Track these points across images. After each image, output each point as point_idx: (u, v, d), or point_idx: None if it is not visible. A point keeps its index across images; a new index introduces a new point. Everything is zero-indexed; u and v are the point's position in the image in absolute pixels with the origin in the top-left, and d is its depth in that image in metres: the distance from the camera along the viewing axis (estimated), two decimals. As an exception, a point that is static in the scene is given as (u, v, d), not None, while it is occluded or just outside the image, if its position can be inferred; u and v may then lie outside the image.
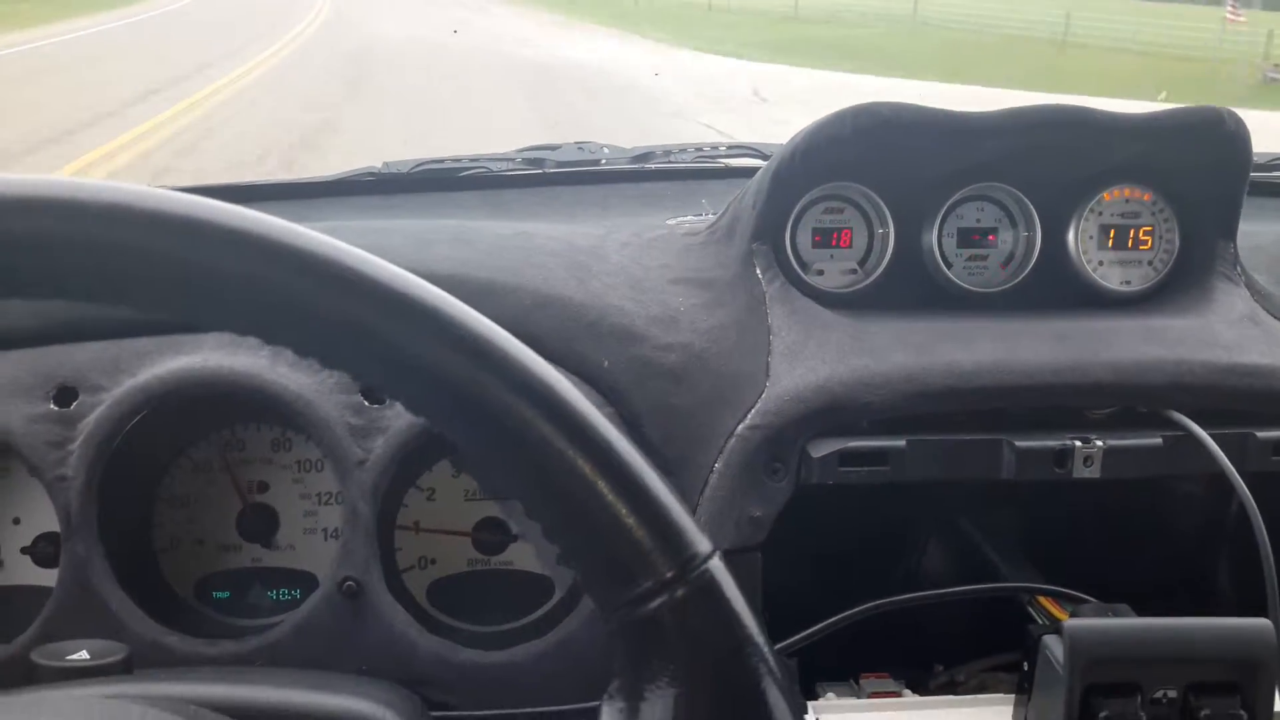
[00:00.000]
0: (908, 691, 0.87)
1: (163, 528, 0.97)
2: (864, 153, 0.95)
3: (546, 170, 1.36)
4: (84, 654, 0.73)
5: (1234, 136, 0.92)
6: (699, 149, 1.45)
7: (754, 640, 0.40)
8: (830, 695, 0.86)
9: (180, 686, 0.70)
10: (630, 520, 0.39)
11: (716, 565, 0.40)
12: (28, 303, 0.90)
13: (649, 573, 0.39)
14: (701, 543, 0.40)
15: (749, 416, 0.86)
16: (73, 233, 0.37)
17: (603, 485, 0.39)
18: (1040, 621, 0.84)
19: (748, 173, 1.16)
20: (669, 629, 0.39)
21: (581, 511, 0.39)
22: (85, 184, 0.38)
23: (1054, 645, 0.75)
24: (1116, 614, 0.80)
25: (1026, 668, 0.80)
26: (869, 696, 0.86)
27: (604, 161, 1.40)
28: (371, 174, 1.32)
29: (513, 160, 1.39)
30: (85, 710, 0.50)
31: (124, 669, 0.73)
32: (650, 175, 1.38)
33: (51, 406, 0.88)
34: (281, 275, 0.38)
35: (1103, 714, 0.72)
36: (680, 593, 0.39)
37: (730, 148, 1.45)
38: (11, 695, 0.61)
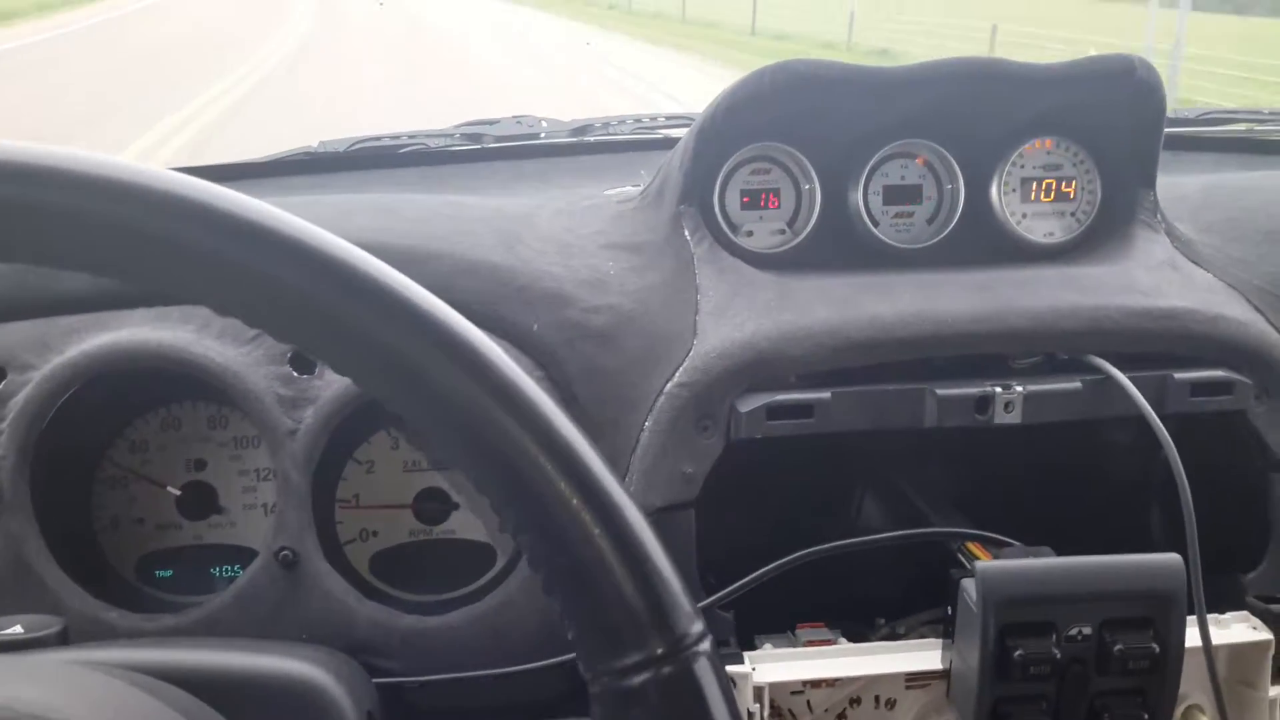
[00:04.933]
0: (843, 640, 0.89)
1: (102, 508, 0.97)
2: (786, 111, 0.96)
3: (485, 145, 1.36)
4: (18, 628, 0.73)
5: (1145, 83, 0.94)
6: (638, 120, 1.46)
7: None
8: (767, 645, 0.87)
9: (117, 653, 0.71)
10: (630, 591, 0.39)
11: (706, 649, 0.40)
12: None
13: (641, 646, 0.39)
14: (695, 624, 0.40)
15: (677, 374, 0.87)
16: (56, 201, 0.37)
17: (610, 555, 0.39)
18: (967, 567, 0.86)
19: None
20: (652, 705, 0.39)
21: (584, 575, 0.39)
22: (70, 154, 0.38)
23: (970, 588, 0.77)
24: (1037, 556, 0.82)
25: (950, 611, 0.81)
26: (805, 645, 0.87)
27: (543, 135, 1.40)
28: (307, 153, 1.32)
29: (451, 136, 1.39)
30: (11, 672, 0.50)
31: (60, 642, 0.74)
32: (589, 148, 1.38)
33: None
34: (269, 260, 0.39)
35: (1018, 653, 0.74)
36: (667, 671, 0.39)
37: (669, 118, 1.45)
38: None
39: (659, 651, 0.39)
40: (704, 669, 0.40)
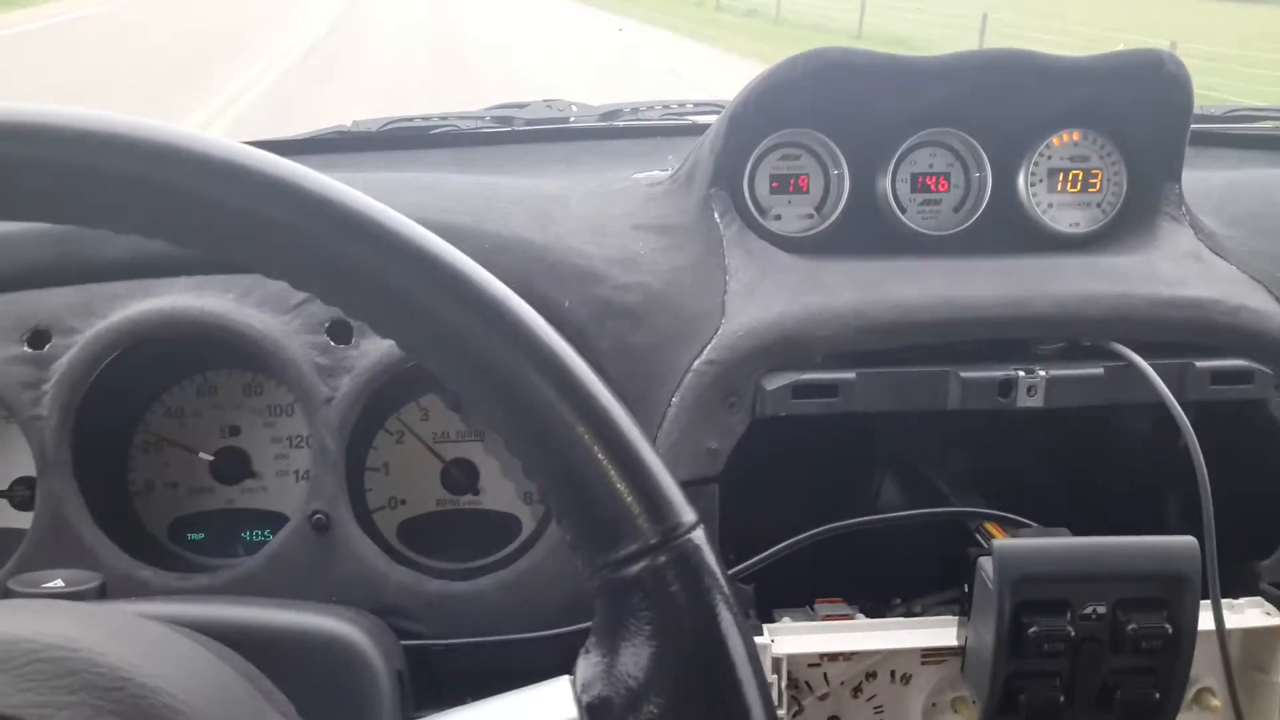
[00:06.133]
0: (860, 615, 0.91)
1: (137, 471, 0.99)
2: (817, 98, 0.97)
3: (515, 128, 1.38)
4: (59, 582, 0.76)
5: (1174, 78, 0.95)
6: (666, 106, 1.47)
7: (728, 611, 0.42)
8: (786, 619, 0.89)
9: (154, 606, 0.73)
10: (622, 486, 0.41)
11: (699, 535, 0.42)
12: None
13: (634, 537, 0.41)
14: (686, 513, 0.41)
15: (705, 352, 0.88)
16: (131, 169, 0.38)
17: (599, 452, 0.40)
18: (984, 546, 0.87)
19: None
20: (649, 592, 0.41)
21: (577, 476, 0.41)
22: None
23: (986, 565, 0.78)
24: (1054, 536, 0.83)
25: (966, 589, 0.83)
26: (823, 619, 0.89)
27: (572, 119, 1.42)
28: (340, 132, 1.34)
29: (481, 118, 1.41)
30: (53, 613, 0.52)
31: (99, 596, 0.76)
32: (618, 133, 1.40)
33: (25, 349, 0.90)
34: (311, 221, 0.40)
35: (1032, 630, 0.75)
36: (662, 559, 0.40)
37: (697, 104, 1.47)
38: None
39: (653, 540, 0.41)
40: (697, 554, 0.41)
